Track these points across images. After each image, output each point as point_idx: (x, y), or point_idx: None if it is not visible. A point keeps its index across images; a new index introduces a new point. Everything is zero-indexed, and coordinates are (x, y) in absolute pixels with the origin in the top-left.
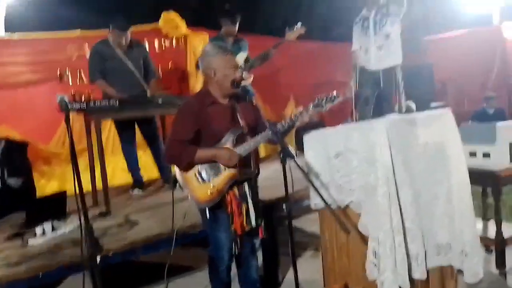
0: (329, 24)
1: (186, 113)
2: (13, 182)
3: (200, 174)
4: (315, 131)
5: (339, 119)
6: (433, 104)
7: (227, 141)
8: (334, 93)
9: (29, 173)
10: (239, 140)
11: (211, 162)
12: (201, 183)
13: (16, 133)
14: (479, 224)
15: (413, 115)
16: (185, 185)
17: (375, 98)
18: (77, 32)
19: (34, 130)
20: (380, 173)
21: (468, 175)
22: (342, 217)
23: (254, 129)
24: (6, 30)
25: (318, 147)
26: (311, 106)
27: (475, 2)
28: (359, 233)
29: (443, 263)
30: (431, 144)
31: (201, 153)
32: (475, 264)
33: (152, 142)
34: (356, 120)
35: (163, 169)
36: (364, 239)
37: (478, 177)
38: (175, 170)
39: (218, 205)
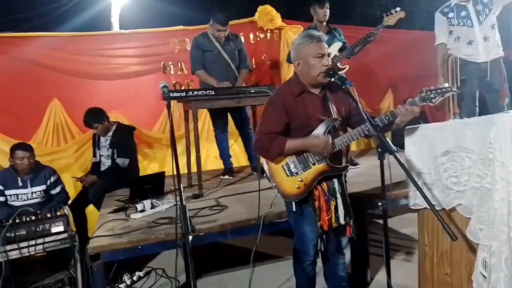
0: (432, 13)
1: (274, 105)
2: (121, 161)
3: (288, 166)
4: (417, 126)
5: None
6: None
7: (319, 134)
8: (446, 85)
9: (135, 154)
10: (332, 133)
11: (302, 152)
12: (289, 175)
13: (125, 119)
14: None
15: None
16: (272, 177)
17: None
18: (179, 28)
19: (140, 117)
20: (498, 176)
21: None
22: (447, 221)
23: (348, 121)
24: (120, 28)
25: (422, 143)
26: (418, 99)
27: None
28: (466, 240)
29: None
30: None
31: (291, 143)
32: None
33: (243, 131)
34: (461, 117)
35: (252, 158)
36: (471, 248)
37: None
38: (263, 161)
39: (305, 199)
